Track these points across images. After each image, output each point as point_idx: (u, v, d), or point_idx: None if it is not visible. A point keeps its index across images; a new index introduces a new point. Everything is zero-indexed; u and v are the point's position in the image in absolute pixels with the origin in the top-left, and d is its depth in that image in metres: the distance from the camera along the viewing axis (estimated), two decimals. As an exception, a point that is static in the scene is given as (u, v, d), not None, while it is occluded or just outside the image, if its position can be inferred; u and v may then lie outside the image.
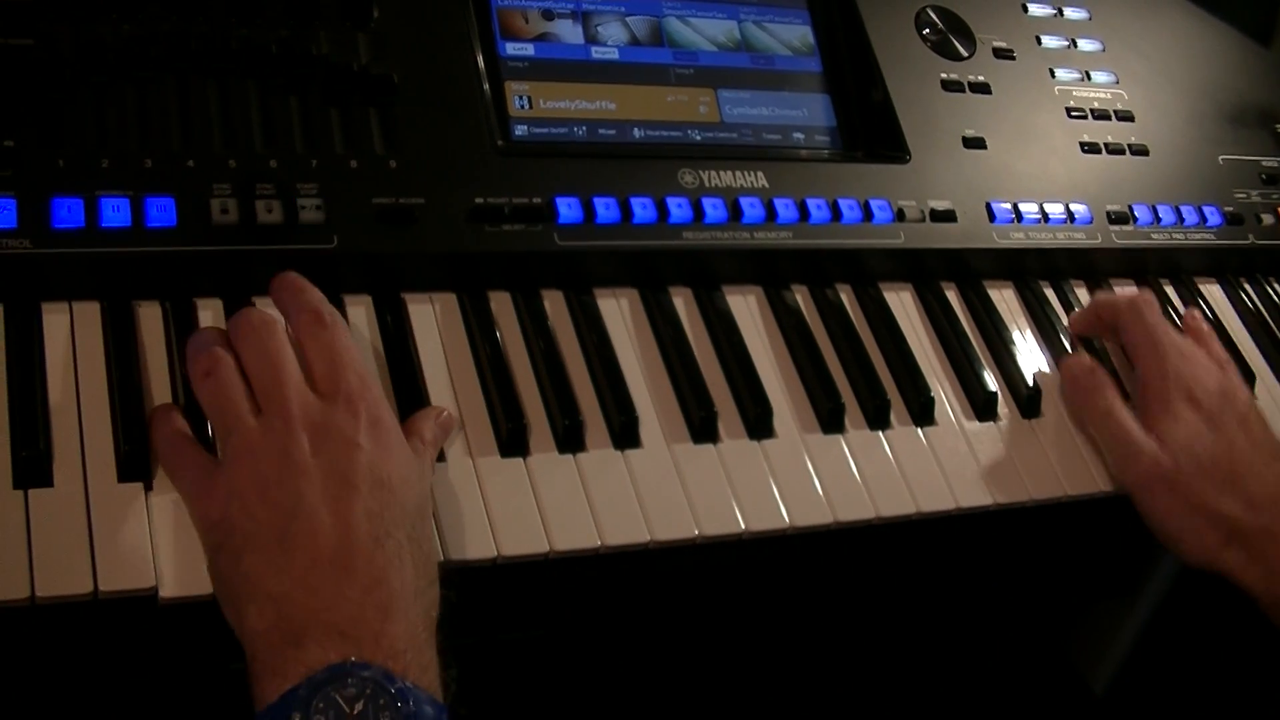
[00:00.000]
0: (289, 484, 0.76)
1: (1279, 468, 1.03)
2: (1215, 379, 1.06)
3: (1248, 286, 1.31)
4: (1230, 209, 1.29)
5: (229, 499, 0.77)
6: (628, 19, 1.14)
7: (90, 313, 0.89)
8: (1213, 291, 1.29)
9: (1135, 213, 1.23)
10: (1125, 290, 1.16)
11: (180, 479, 0.81)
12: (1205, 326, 1.15)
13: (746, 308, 1.07)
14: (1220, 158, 1.33)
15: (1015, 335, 1.14)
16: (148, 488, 0.82)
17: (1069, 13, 1.35)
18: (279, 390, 0.80)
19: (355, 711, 0.68)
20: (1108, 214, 1.22)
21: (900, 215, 1.12)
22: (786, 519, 0.94)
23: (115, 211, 0.88)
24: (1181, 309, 1.25)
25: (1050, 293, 1.20)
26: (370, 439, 0.80)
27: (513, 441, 0.92)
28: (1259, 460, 1.02)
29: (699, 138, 1.13)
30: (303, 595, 0.73)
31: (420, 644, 0.74)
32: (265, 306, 0.93)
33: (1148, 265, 1.26)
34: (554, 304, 1.01)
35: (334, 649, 0.71)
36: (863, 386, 1.05)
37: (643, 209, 1.03)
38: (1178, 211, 1.26)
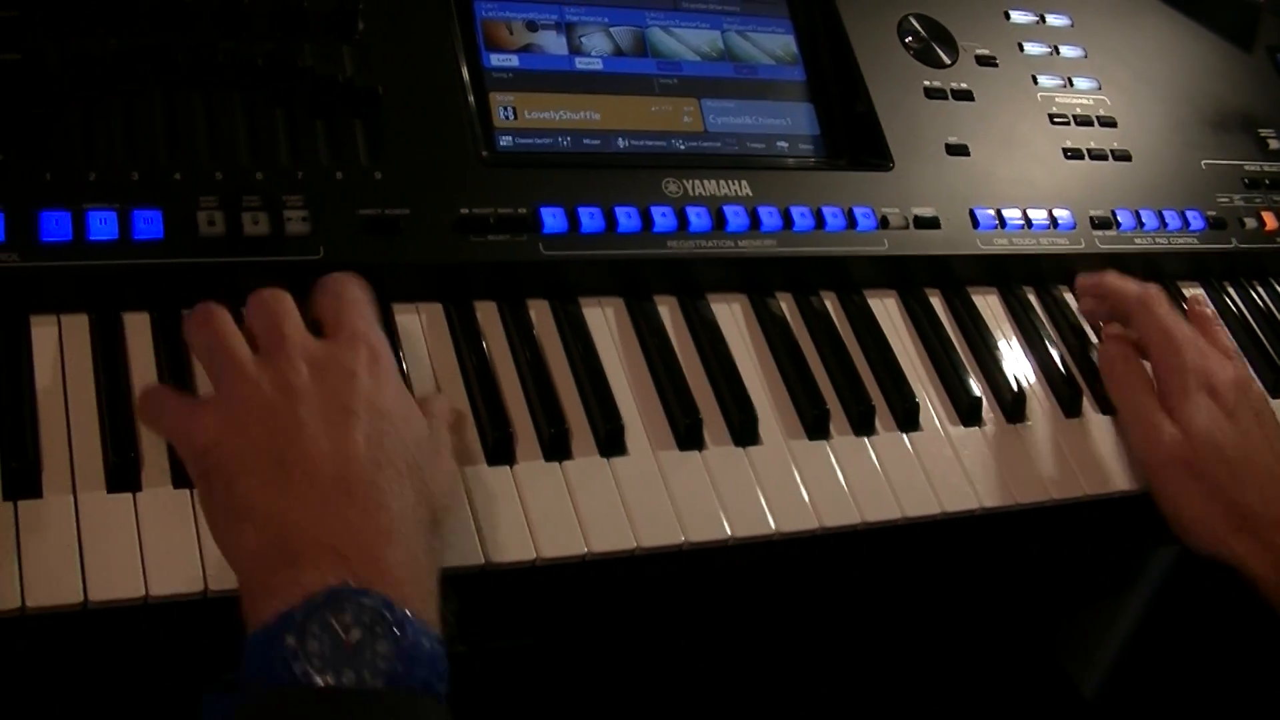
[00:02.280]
0: (287, 408, 0.77)
1: None
2: (1231, 372, 1.09)
3: (1231, 290, 1.32)
4: (1213, 213, 1.30)
5: (222, 424, 0.77)
6: (611, 29, 1.15)
7: (78, 325, 0.89)
8: (1196, 295, 1.30)
9: (1118, 218, 1.24)
10: (1131, 283, 1.16)
11: (163, 418, 0.82)
12: (1210, 311, 1.20)
13: (731, 315, 1.08)
14: (1203, 162, 1.34)
15: (1000, 341, 1.15)
16: (137, 498, 0.82)
17: (1051, 19, 1.36)
18: (277, 330, 0.82)
19: (351, 639, 0.67)
20: (1091, 219, 1.23)
21: (884, 222, 1.13)
22: (772, 525, 0.95)
23: (103, 224, 0.88)
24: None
25: (1034, 298, 1.21)
26: (368, 372, 0.81)
27: (499, 450, 0.92)
28: (1271, 454, 1.05)
29: (683, 147, 1.13)
30: (301, 515, 0.72)
31: (421, 574, 0.74)
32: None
33: (1131, 270, 1.27)
34: (539, 313, 1.02)
35: (331, 571, 0.70)
36: (847, 393, 1.05)
37: (627, 218, 1.03)
38: (1160, 216, 1.26)
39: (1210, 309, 1.21)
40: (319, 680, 0.66)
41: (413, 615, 0.70)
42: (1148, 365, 1.11)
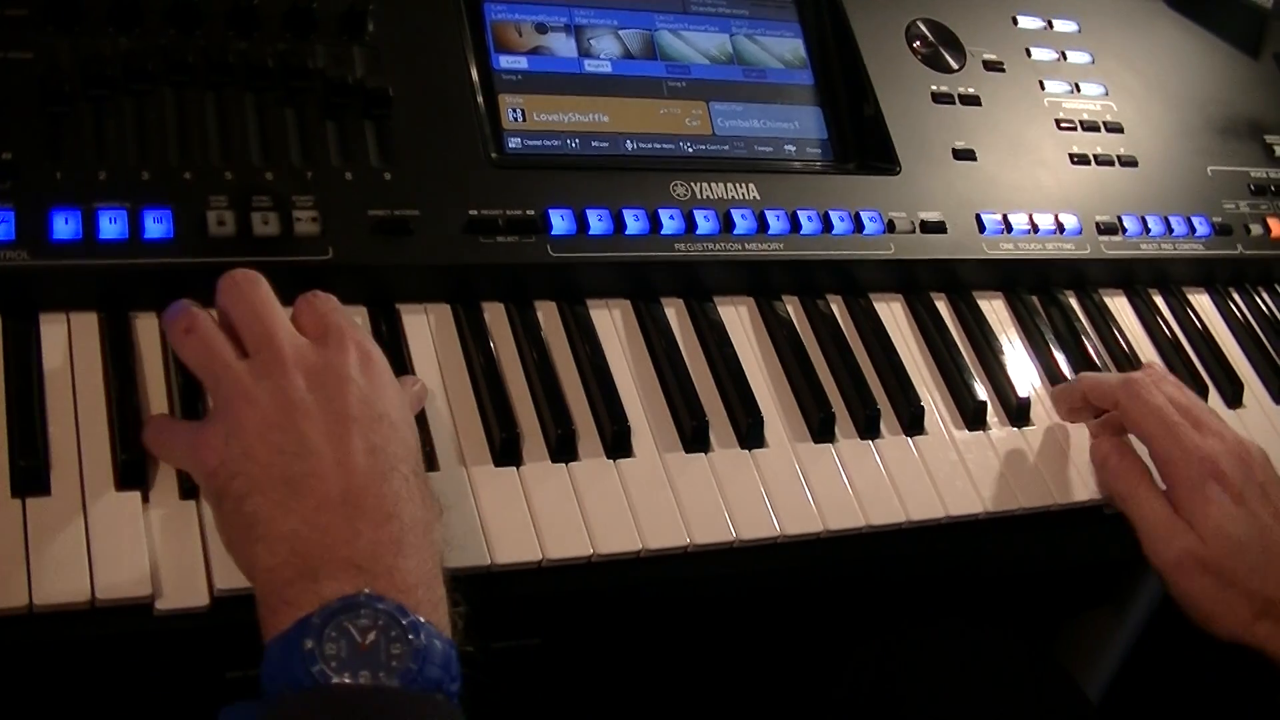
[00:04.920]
0: (289, 424, 0.76)
1: None
2: (1230, 448, 1.02)
3: (1236, 296, 1.32)
4: (1219, 219, 1.30)
5: (226, 442, 0.76)
6: (620, 32, 1.15)
7: (88, 324, 0.90)
8: (1202, 302, 1.30)
9: (1124, 223, 1.24)
10: (1110, 375, 1.11)
11: (172, 446, 0.82)
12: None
13: (738, 318, 1.08)
14: (1209, 169, 1.34)
15: (1005, 345, 1.15)
16: (145, 497, 0.83)
17: (1058, 25, 1.36)
18: (268, 333, 0.80)
19: (367, 641, 0.68)
20: (1097, 225, 1.23)
21: (891, 226, 1.13)
22: (777, 528, 0.95)
23: (113, 223, 0.89)
24: (1171, 320, 1.26)
25: (1039, 303, 1.21)
26: (362, 373, 0.80)
27: (506, 451, 0.93)
28: None
29: (691, 150, 1.14)
30: (314, 533, 0.73)
31: (430, 579, 0.74)
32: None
33: (1137, 276, 1.27)
34: (547, 315, 1.02)
35: (348, 581, 0.71)
36: (853, 396, 1.06)
37: (635, 220, 1.04)
38: (1167, 222, 1.27)
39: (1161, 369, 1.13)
40: (336, 680, 0.67)
41: (425, 619, 0.71)
42: (1140, 448, 1.06)
